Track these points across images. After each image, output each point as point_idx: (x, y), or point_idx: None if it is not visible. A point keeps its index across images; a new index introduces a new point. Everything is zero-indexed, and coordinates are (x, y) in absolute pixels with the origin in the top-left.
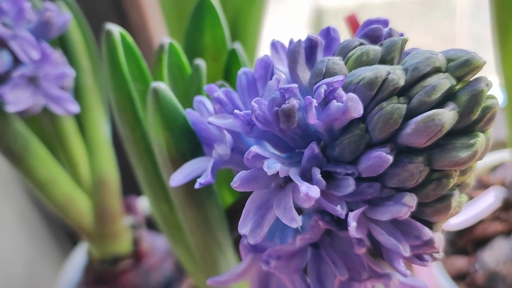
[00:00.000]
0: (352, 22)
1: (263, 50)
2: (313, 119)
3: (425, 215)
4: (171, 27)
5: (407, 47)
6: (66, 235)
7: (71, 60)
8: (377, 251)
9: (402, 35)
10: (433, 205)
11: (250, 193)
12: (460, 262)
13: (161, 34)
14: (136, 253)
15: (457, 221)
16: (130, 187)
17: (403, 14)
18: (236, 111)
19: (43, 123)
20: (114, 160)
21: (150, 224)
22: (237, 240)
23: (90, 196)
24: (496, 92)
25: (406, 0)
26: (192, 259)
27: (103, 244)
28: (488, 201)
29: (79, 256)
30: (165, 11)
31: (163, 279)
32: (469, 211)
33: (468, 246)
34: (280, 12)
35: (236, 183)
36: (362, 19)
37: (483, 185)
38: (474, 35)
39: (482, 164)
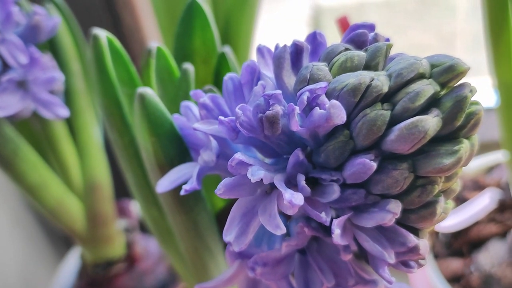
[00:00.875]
0: (343, 24)
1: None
2: (295, 126)
3: (410, 221)
4: (163, 29)
5: (405, 48)
6: (61, 238)
7: (61, 63)
8: (364, 255)
9: (388, 40)
10: (418, 212)
11: None
12: (455, 264)
13: (155, 36)
14: (130, 257)
15: (452, 222)
16: (123, 190)
17: (401, 13)
18: (221, 117)
19: (33, 127)
20: (106, 164)
21: (144, 228)
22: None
23: (82, 200)
24: (489, 93)
25: (407, 0)
26: (184, 264)
27: (96, 248)
28: (483, 203)
29: (73, 260)
30: (157, 13)
31: (157, 283)
32: (464, 212)
33: (463, 248)
34: (278, 11)
35: (220, 190)
36: (360, 19)
37: (478, 187)
38: (474, 34)
39: (477, 166)
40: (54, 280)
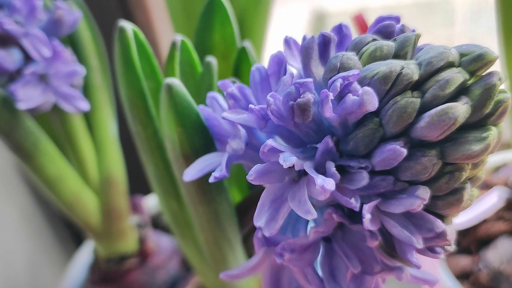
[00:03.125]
0: (359, 21)
1: (269, 50)
2: (329, 112)
3: (437, 208)
4: (178, 26)
5: None
6: (69, 234)
7: (81, 58)
8: (389, 246)
9: (414, 31)
10: (446, 198)
11: (260, 190)
12: (464, 261)
13: (166, 34)
14: (142, 252)
15: (461, 220)
16: (136, 187)
17: (402, 18)
18: (251, 105)
19: (52, 121)
20: (121, 159)
21: (156, 224)
22: (246, 237)
23: (97, 194)
24: None
25: (405, 4)
26: (201, 256)
27: (110, 243)
28: (491, 201)
29: (85, 255)
30: (172, 11)
31: (169, 278)
32: (472, 210)
33: (472, 245)
34: (281, 16)
35: (251, 176)
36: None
37: (486, 185)
38: (474, 40)
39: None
40: (66, 274)
